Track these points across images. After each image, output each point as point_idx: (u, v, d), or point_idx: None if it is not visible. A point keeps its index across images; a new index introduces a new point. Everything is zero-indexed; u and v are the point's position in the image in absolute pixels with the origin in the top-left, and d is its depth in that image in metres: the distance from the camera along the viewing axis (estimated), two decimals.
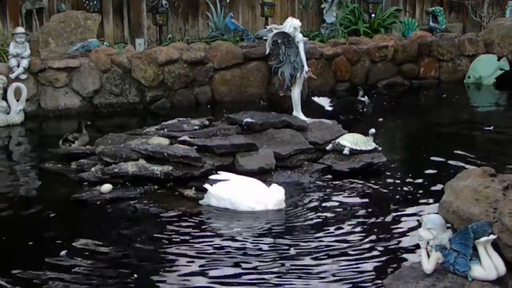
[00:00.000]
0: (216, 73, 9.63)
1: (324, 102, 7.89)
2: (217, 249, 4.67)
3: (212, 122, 7.06)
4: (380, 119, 8.36)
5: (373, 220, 5.19)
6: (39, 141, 8.03)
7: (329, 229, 4.98)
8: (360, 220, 5.17)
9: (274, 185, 5.47)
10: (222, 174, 5.66)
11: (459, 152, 6.99)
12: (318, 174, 6.22)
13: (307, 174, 6.20)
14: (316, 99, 8.04)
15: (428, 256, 3.70)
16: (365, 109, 7.48)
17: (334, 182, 6.05)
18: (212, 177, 5.62)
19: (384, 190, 5.89)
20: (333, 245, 4.69)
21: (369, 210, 5.41)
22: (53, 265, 4.38)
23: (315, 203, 5.51)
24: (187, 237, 4.88)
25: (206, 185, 5.49)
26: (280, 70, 7.38)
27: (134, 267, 4.39)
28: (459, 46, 11.15)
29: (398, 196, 5.72)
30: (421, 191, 5.80)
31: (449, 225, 3.77)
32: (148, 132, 6.78)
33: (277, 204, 5.37)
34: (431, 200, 5.46)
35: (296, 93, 7.41)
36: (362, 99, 7.66)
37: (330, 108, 7.66)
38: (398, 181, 6.13)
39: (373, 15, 11.78)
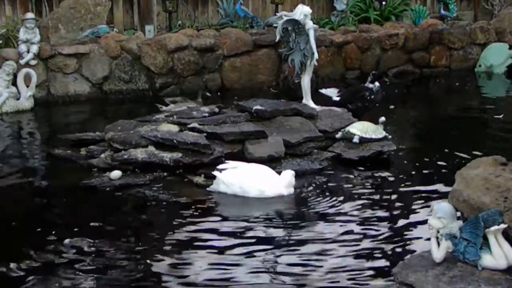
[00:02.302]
0: (226, 60, 9.62)
1: (332, 93, 7.86)
2: (227, 235, 4.67)
3: (221, 109, 7.05)
4: (392, 106, 8.35)
5: (382, 208, 5.18)
6: (48, 127, 8.05)
7: (338, 217, 4.98)
8: (369, 208, 5.16)
9: (284, 171, 5.47)
10: (230, 163, 5.65)
11: (470, 140, 6.98)
12: (327, 162, 6.20)
13: (317, 162, 6.18)
14: (323, 91, 8.02)
15: (438, 244, 3.69)
16: (372, 96, 7.43)
17: (343, 170, 6.04)
18: (220, 166, 5.60)
19: (394, 179, 5.87)
20: (342, 233, 4.68)
21: (379, 198, 5.40)
22: (59, 252, 4.39)
23: (324, 191, 5.50)
24: (196, 224, 4.89)
25: (215, 172, 5.49)
26: (290, 58, 7.35)
27: (143, 254, 4.40)
28: (470, 34, 11.09)
29: (407, 185, 5.70)
30: (431, 180, 5.78)
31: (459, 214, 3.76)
32: (157, 119, 6.77)
33: (287, 188, 5.37)
34: (441, 189, 5.43)
35: (306, 81, 7.38)
36: (370, 85, 7.62)
37: (337, 98, 7.63)
38: (408, 170, 6.12)
39: (384, 2, 11.73)
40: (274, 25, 7.95)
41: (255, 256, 4.33)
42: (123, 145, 6.04)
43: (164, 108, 7.46)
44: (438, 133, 7.54)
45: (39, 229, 4.77)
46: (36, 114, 8.42)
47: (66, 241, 4.52)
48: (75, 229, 4.73)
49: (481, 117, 8.29)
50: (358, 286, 3.96)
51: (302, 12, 7.13)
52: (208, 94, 7.96)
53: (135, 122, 6.76)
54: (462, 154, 6.27)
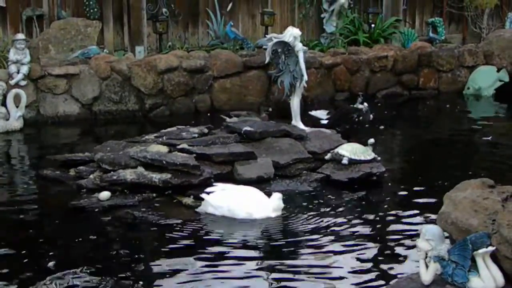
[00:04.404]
0: (216, 82, 9.63)
1: (321, 114, 7.89)
2: (216, 257, 4.66)
3: (211, 130, 7.06)
4: (382, 127, 8.38)
5: (371, 230, 5.18)
6: (38, 148, 8.02)
7: (326, 239, 4.97)
8: (357, 230, 5.16)
9: (273, 194, 5.47)
10: (218, 185, 5.64)
11: (458, 162, 7.00)
12: (316, 184, 6.22)
13: (306, 183, 6.19)
14: (313, 113, 8.04)
15: (427, 267, 3.70)
16: (361, 117, 7.45)
17: (332, 192, 6.04)
18: (209, 189, 5.59)
19: (383, 201, 5.89)
20: (330, 255, 4.68)
21: (367, 220, 5.40)
22: (42, 273, 4.34)
23: (313, 213, 5.50)
24: (185, 245, 4.88)
25: (203, 195, 5.48)
26: (280, 79, 7.40)
27: (132, 275, 4.37)
28: (459, 57, 11.16)
29: (396, 207, 5.71)
30: (419, 202, 5.79)
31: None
32: (147, 139, 6.78)
33: (275, 211, 5.37)
34: (429, 211, 5.44)
35: (295, 102, 7.42)
36: (360, 106, 7.63)
37: (325, 121, 7.65)
38: (397, 191, 6.13)
39: (373, 25, 11.79)
40: (264, 46, 8.01)
41: (242, 278, 4.32)
42: (112, 165, 6.03)
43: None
44: (427, 154, 7.57)
45: (24, 251, 4.72)
46: (25, 135, 8.40)
47: (50, 263, 4.49)
48: (62, 250, 4.70)
49: (470, 139, 8.33)
50: None
51: (291, 34, 7.18)
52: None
53: (124, 143, 6.76)
54: (450, 176, 6.29)
